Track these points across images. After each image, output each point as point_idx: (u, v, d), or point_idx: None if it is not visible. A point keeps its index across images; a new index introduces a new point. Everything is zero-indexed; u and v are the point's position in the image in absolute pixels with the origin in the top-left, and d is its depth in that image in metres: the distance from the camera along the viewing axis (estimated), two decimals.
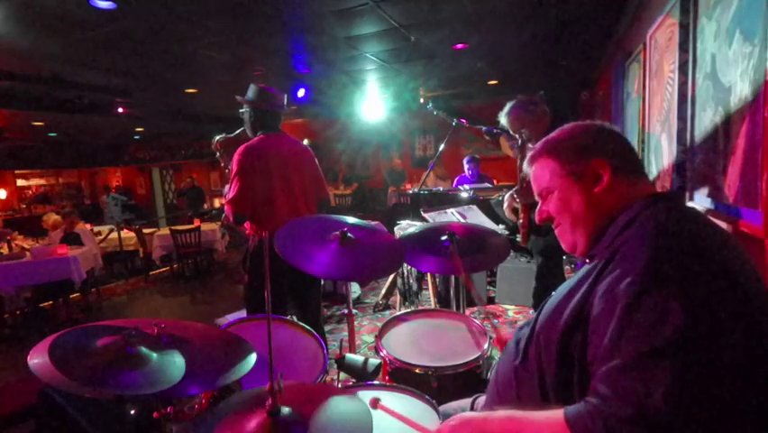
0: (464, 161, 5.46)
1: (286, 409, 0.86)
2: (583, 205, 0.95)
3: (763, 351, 0.70)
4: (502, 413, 0.85)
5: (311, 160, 2.70)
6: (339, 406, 0.96)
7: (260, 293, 2.50)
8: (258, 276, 2.53)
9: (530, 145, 2.32)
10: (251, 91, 2.58)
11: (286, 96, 2.65)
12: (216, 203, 11.37)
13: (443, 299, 3.57)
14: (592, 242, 0.95)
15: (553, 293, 1.01)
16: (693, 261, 0.73)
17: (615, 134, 1.00)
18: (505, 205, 2.49)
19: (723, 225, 1.46)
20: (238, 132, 2.71)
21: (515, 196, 2.40)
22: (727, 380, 0.67)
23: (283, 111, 2.66)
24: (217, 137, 2.72)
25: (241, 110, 2.63)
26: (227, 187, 2.55)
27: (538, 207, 1.07)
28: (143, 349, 1.07)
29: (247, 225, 2.56)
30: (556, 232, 1.04)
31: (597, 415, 0.70)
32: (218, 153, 2.72)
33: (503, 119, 2.56)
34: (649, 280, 0.72)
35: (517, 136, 2.56)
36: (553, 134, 1.05)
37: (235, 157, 2.45)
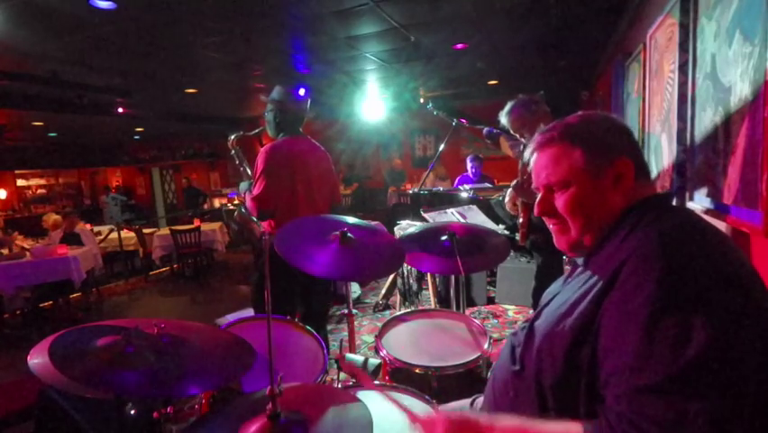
0: (468, 159, 5.43)
1: (286, 413, 0.86)
2: (599, 206, 0.88)
3: None
4: (511, 421, 0.82)
5: (329, 165, 2.75)
6: (339, 407, 0.96)
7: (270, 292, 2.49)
8: (270, 275, 2.52)
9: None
10: (277, 92, 2.61)
11: (309, 100, 2.67)
12: (217, 203, 11.36)
13: (443, 299, 3.57)
14: (597, 244, 0.90)
15: (548, 296, 1.00)
16: (704, 271, 0.71)
17: (631, 132, 0.94)
18: (507, 198, 2.49)
19: (722, 224, 1.46)
20: (257, 131, 2.75)
21: (516, 194, 2.40)
22: (759, 391, 0.64)
23: (306, 114, 2.68)
24: (233, 135, 2.73)
25: (266, 111, 2.65)
26: (243, 184, 2.58)
27: (539, 198, 0.96)
28: (143, 349, 1.07)
29: (265, 223, 2.57)
30: (554, 228, 0.97)
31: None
32: (233, 151, 2.73)
33: (504, 118, 2.55)
34: (665, 296, 0.69)
35: (520, 137, 2.55)
36: (572, 119, 0.94)
37: (261, 155, 2.47)
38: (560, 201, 0.92)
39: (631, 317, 0.71)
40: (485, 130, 3.37)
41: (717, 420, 0.62)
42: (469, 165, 5.40)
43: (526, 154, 1.01)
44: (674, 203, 1.87)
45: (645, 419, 0.66)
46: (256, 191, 2.44)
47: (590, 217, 0.89)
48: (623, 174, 0.88)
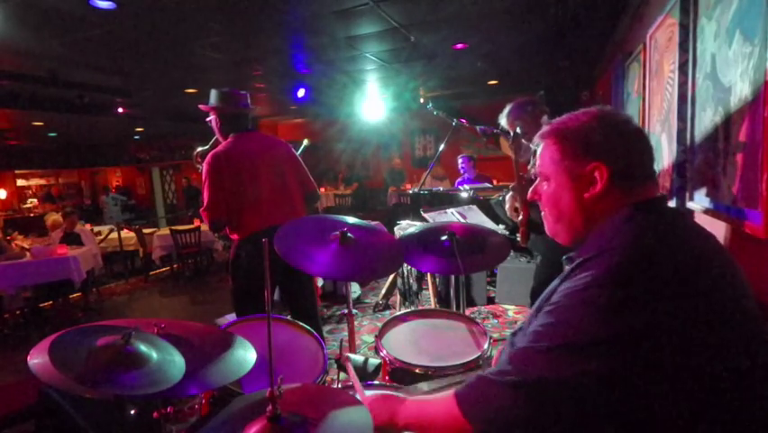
0: (459, 158, 5.51)
1: (286, 414, 0.86)
2: (571, 206, 0.91)
3: (704, 369, 0.70)
4: (414, 398, 0.97)
5: (288, 154, 2.63)
6: (340, 408, 0.96)
7: (242, 297, 2.50)
8: (237, 280, 2.51)
9: (523, 141, 2.32)
10: (214, 96, 2.55)
11: (248, 95, 2.61)
12: None
13: (443, 299, 3.57)
14: (573, 241, 0.95)
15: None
16: (653, 275, 0.73)
17: (631, 135, 0.89)
18: (507, 205, 2.49)
19: (722, 225, 1.46)
20: (212, 141, 2.66)
21: (515, 195, 2.40)
22: (627, 393, 0.69)
23: (249, 110, 2.61)
24: (197, 150, 2.69)
25: (207, 119, 2.59)
26: None
27: (534, 185, 1.02)
28: (143, 349, 1.07)
29: (227, 229, 2.53)
30: (543, 213, 1.02)
31: (479, 379, 0.75)
32: (199, 168, 2.65)
33: (503, 121, 2.56)
34: (604, 288, 0.73)
35: (510, 130, 2.55)
36: (567, 117, 0.96)
37: (204, 166, 2.42)
38: (543, 192, 0.99)
39: (564, 299, 0.78)
40: (479, 128, 3.37)
41: (566, 388, 0.69)
42: (460, 163, 5.48)
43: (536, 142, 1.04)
44: (673, 203, 1.87)
45: (509, 363, 0.73)
46: (204, 203, 2.39)
47: (561, 214, 0.94)
48: (595, 178, 0.87)
